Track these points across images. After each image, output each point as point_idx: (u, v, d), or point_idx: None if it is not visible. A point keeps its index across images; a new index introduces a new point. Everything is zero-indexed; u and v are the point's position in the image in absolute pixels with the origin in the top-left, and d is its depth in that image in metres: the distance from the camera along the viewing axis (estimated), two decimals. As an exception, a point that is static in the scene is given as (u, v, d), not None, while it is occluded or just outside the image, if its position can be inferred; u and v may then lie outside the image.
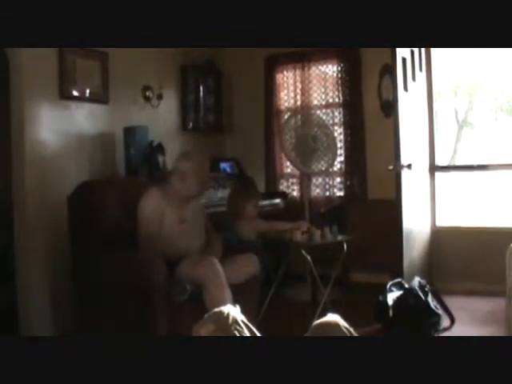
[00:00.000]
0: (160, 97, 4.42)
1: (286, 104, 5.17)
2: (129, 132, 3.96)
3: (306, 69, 5.00)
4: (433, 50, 4.58)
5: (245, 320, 1.63)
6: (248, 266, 3.16)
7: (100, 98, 3.95)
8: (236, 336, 1.56)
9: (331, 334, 1.58)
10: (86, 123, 3.85)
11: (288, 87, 5.15)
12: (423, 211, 4.49)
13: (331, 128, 4.72)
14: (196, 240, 3.11)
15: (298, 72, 5.05)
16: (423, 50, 4.41)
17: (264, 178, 5.18)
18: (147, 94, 4.35)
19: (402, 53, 3.96)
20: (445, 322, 3.44)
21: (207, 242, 3.18)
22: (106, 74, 3.96)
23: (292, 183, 5.18)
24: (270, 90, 5.16)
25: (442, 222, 4.76)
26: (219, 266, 2.87)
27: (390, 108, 4.29)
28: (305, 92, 5.02)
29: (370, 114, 4.75)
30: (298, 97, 5.06)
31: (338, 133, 4.86)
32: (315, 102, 5.01)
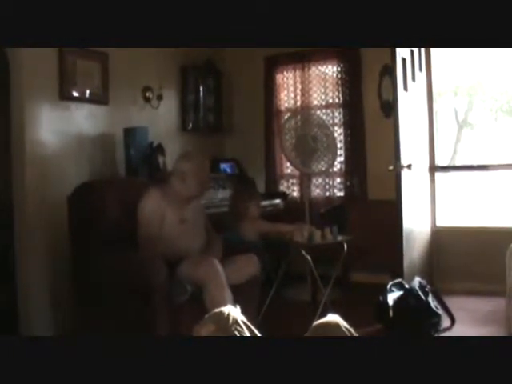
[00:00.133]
0: (160, 97, 4.42)
1: (286, 104, 5.16)
2: (129, 133, 3.96)
3: (306, 69, 5.00)
4: (433, 50, 4.57)
5: (245, 320, 1.63)
6: (248, 266, 3.16)
7: (100, 99, 3.95)
8: (236, 336, 1.56)
9: (331, 334, 1.58)
10: (86, 124, 3.85)
11: (288, 87, 5.15)
12: (423, 211, 4.49)
13: (331, 128, 4.71)
14: (196, 240, 3.11)
15: (298, 72, 5.04)
16: (423, 50, 4.40)
17: (264, 178, 5.17)
18: (147, 94, 4.35)
19: (402, 53, 3.96)
20: (445, 322, 3.44)
21: (207, 242, 3.18)
22: (106, 75, 3.96)
23: (292, 183, 5.18)
24: (269, 90, 5.16)
25: (442, 222, 4.76)
26: (219, 267, 2.87)
27: (389, 108, 4.29)
28: (305, 92, 5.02)
29: (370, 115, 4.75)
30: (298, 97, 5.05)
31: (338, 133, 4.86)
32: (315, 103, 5.00)
